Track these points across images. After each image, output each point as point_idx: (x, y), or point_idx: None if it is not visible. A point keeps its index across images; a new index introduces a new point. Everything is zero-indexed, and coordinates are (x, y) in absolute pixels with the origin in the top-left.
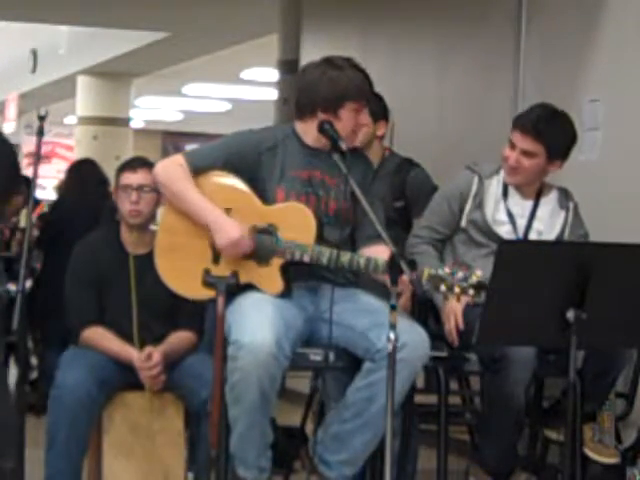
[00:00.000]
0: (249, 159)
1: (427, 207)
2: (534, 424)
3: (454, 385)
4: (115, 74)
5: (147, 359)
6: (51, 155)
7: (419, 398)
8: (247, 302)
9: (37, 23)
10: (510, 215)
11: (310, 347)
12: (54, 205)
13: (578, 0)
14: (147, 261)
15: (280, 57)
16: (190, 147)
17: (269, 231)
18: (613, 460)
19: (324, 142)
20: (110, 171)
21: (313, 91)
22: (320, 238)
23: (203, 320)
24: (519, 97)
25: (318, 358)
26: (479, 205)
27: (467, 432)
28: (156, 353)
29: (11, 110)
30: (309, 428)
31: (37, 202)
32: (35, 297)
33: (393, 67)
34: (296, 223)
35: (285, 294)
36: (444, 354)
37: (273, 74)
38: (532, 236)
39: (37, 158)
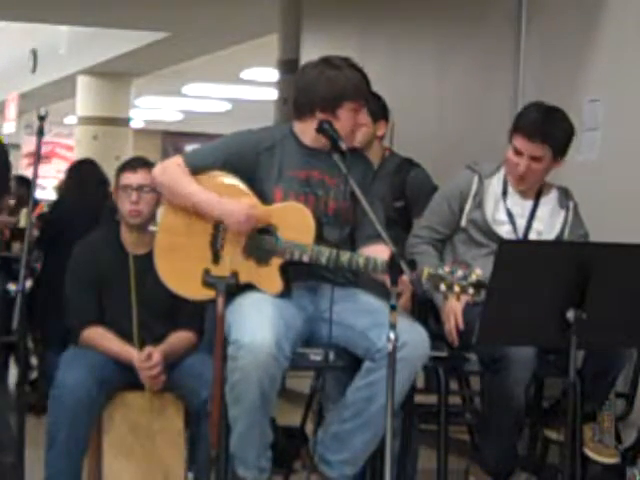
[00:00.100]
0: (248, 159)
1: (427, 207)
2: (534, 424)
3: (454, 385)
4: (115, 74)
5: (147, 359)
6: (51, 155)
7: (419, 398)
8: (247, 302)
9: (37, 23)
10: (510, 215)
11: (310, 347)
12: (54, 205)
13: (578, 0)
14: (147, 261)
15: (280, 57)
16: (190, 147)
17: (268, 231)
18: (613, 460)
19: (323, 142)
20: (110, 171)
21: (311, 91)
22: (319, 238)
23: (203, 320)
24: (519, 97)
25: (318, 358)
26: (479, 205)
27: (467, 432)
28: (156, 353)
29: (11, 110)
30: (309, 428)
31: (36, 202)
32: (35, 297)
33: (393, 67)
34: (295, 223)
35: (285, 294)
36: (444, 354)
37: (273, 74)
38: (532, 236)
39: (37, 158)
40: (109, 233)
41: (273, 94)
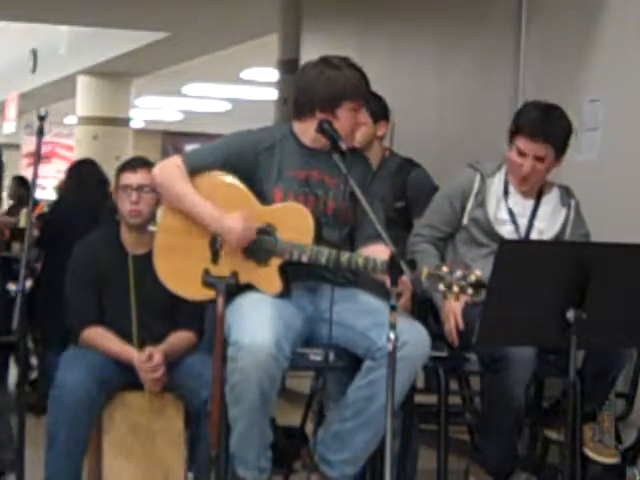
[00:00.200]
0: (247, 159)
1: (428, 206)
2: (534, 424)
3: (454, 385)
4: (115, 74)
5: (148, 360)
6: (51, 155)
7: (419, 398)
8: (246, 302)
9: (37, 23)
10: (511, 214)
11: (310, 347)
12: (54, 205)
13: (578, 0)
14: (146, 261)
15: (280, 57)
16: (190, 147)
17: (267, 231)
18: (613, 460)
19: (322, 142)
20: (110, 171)
21: (311, 91)
22: (319, 238)
23: (203, 320)
24: (519, 97)
25: (318, 358)
26: (481, 203)
27: (467, 432)
28: (157, 354)
29: (11, 110)
30: (309, 428)
31: (36, 202)
32: (35, 297)
33: (393, 67)
34: (294, 223)
35: (284, 294)
36: (444, 354)
37: (273, 74)
38: (534, 235)
39: (37, 158)
40: (109, 233)
41: (273, 94)
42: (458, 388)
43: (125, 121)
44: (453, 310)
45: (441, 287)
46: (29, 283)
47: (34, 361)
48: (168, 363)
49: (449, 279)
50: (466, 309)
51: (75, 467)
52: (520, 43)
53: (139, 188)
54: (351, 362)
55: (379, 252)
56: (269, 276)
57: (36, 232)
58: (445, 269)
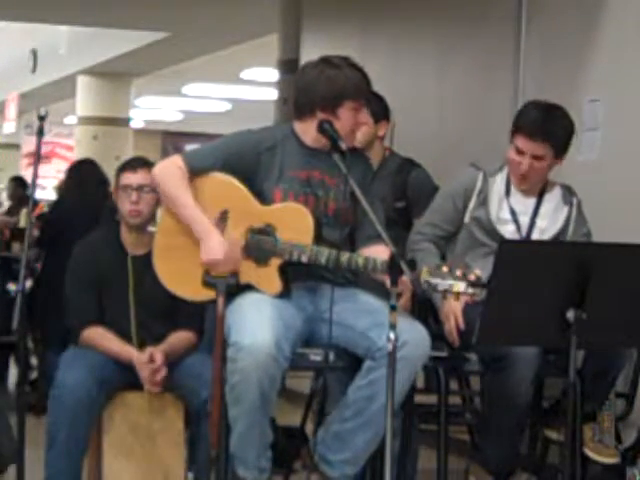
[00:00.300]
0: (248, 159)
1: (430, 205)
2: (534, 424)
3: (454, 385)
4: (115, 74)
5: (150, 361)
6: (51, 155)
7: (419, 398)
8: (246, 303)
9: (37, 23)
10: (513, 213)
11: (310, 347)
12: (54, 205)
13: (578, 0)
14: (146, 261)
15: (280, 57)
16: (190, 147)
17: (267, 231)
18: (613, 460)
19: (323, 142)
20: (110, 171)
21: (311, 91)
22: (319, 238)
23: (203, 320)
24: (519, 97)
25: (318, 358)
26: (483, 202)
27: (467, 432)
28: (158, 354)
29: (11, 110)
30: (309, 428)
31: (36, 202)
32: (35, 297)
33: (393, 67)
34: (294, 223)
35: (284, 294)
36: (444, 354)
37: (273, 74)
38: (535, 234)
39: (37, 158)
40: (109, 233)
41: (273, 94)
42: (458, 388)
43: (125, 121)
44: (453, 310)
45: (441, 287)
46: (29, 283)
47: (34, 361)
48: (168, 363)
49: (449, 279)
50: (466, 309)
51: (75, 467)
52: (520, 43)
53: (139, 188)
54: (351, 362)
55: (379, 252)
56: (269, 276)
57: (36, 232)
58: (445, 269)
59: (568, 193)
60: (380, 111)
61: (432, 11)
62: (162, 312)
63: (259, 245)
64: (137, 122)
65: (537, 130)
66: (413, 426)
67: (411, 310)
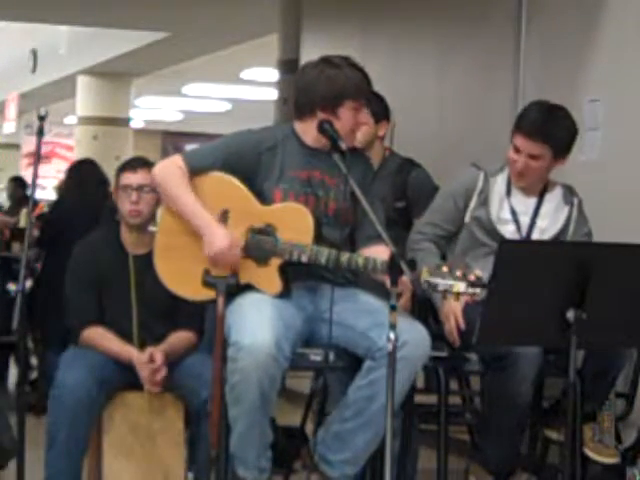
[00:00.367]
0: (248, 159)
1: (430, 205)
2: (534, 424)
3: (454, 385)
4: (115, 74)
5: (150, 361)
6: (51, 155)
7: (419, 398)
8: (246, 302)
9: (37, 23)
10: (514, 213)
11: (310, 347)
12: (54, 205)
13: (578, 0)
14: (147, 261)
15: (280, 57)
16: (190, 147)
17: (267, 231)
18: (613, 460)
19: (324, 142)
20: (110, 171)
21: (311, 90)
22: (319, 238)
23: (203, 320)
24: (519, 97)
25: (318, 358)
26: (484, 202)
27: (467, 432)
28: (158, 354)
29: (11, 110)
30: (309, 428)
31: (36, 202)
32: (35, 297)
33: (393, 67)
34: (294, 223)
35: (284, 294)
36: (444, 354)
37: (273, 74)
38: (535, 234)
39: (37, 158)
40: (109, 233)
41: (273, 94)
42: (458, 388)
43: (125, 121)
44: (453, 310)
45: (441, 287)
46: (29, 283)
47: (34, 361)
48: (168, 363)
49: (449, 279)
50: (466, 309)
51: (75, 467)
52: (520, 43)
53: (139, 188)
54: (351, 362)
55: (380, 252)
56: (269, 276)
57: (36, 232)
58: (445, 269)
59: (569, 193)
60: (380, 111)
61: (432, 11)
62: (163, 312)
63: (259, 245)
64: (137, 122)
65: (535, 130)
66: (413, 426)
67: (411, 310)
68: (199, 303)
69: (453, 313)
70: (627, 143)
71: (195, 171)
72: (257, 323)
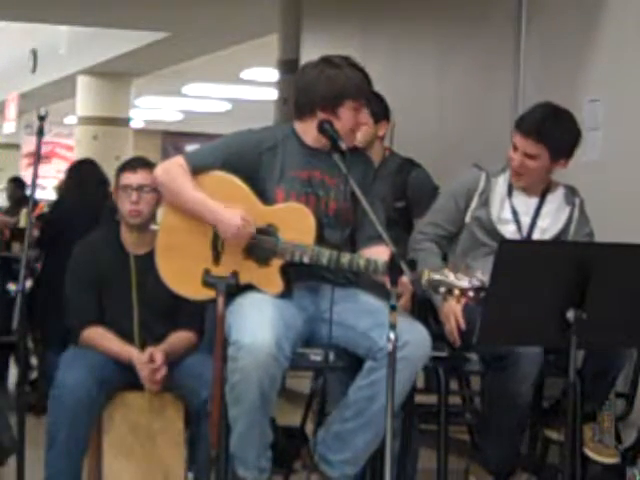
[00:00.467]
0: (249, 159)
1: (432, 205)
2: (534, 424)
3: (454, 385)
4: (115, 74)
5: (150, 362)
6: (51, 155)
7: (419, 398)
8: (247, 302)
9: (37, 23)
10: (515, 213)
11: (310, 347)
12: (54, 205)
13: (578, 0)
14: (148, 261)
15: (280, 57)
16: (190, 147)
17: (269, 232)
18: (613, 460)
19: (324, 142)
20: (110, 171)
21: (312, 90)
22: (320, 239)
23: (203, 320)
24: (519, 97)
25: (318, 358)
26: (485, 202)
27: (467, 432)
28: (158, 354)
29: (11, 110)
30: (309, 428)
31: (36, 202)
32: (35, 297)
33: (393, 67)
34: (296, 223)
35: (285, 294)
36: (444, 354)
37: (273, 74)
38: (536, 234)
39: (37, 158)
40: (109, 233)
41: (273, 94)
42: (458, 388)
43: (125, 121)
44: (453, 310)
45: (442, 289)
46: (29, 283)
47: (34, 361)
48: (168, 363)
49: (450, 281)
50: (467, 309)
51: (75, 467)
52: (520, 43)
53: (139, 188)
54: (351, 362)
55: (380, 253)
56: (270, 276)
57: (36, 232)
58: (447, 271)
59: (571, 193)
60: (380, 111)
61: (432, 11)
62: (164, 312)
63: (261, 245)
64: (137, 122)
65: (533, 129)
66: (413, 426)
67: (411, 310)
68: (201, 302)
69: (453, 313)
70: (627, 143)
71: (196, 170)
72: (258, 323)
